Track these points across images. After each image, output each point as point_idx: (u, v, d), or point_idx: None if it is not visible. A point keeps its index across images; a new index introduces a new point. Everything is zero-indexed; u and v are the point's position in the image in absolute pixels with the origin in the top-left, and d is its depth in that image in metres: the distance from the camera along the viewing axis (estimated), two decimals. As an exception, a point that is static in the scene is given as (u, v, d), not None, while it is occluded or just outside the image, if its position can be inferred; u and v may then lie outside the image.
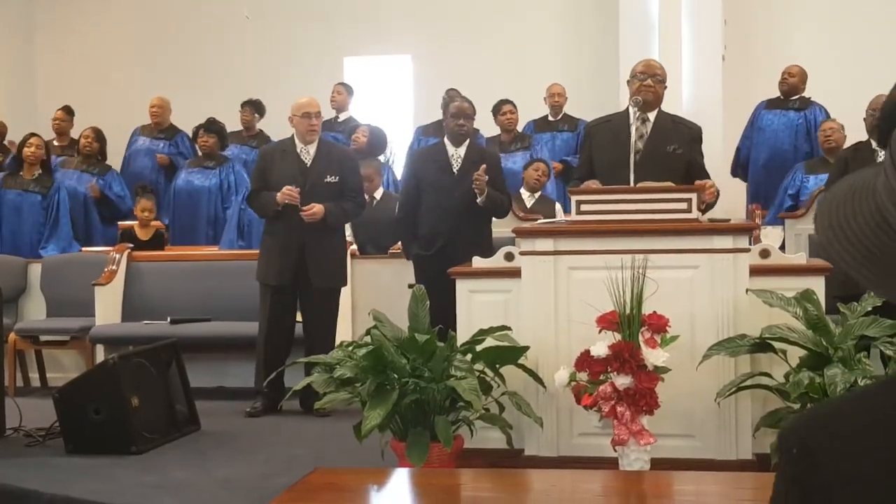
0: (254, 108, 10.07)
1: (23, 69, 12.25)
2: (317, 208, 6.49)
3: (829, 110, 8.91)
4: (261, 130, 10.08)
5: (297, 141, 6.73)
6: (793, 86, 9.12)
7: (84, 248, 8.63)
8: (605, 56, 10.23)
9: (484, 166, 6.23)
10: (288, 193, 6.47)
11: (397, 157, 9.93)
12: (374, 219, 8.30)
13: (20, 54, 12.28)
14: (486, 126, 9.24)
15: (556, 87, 9.91)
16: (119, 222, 9.37)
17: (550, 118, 9.91)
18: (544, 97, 9.89)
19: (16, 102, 11.67)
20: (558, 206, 8.52)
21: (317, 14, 11.61)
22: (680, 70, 9.82)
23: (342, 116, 10.13)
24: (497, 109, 9.28)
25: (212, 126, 9.30)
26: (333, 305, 6.74)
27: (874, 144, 6.43)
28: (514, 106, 9.35)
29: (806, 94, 9.18)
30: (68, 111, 10.22)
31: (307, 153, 6.69)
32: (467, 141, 6.49)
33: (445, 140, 6.53)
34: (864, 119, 6.50)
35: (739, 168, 9.34)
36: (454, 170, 6.42)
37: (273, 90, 10.09)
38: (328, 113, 9.87)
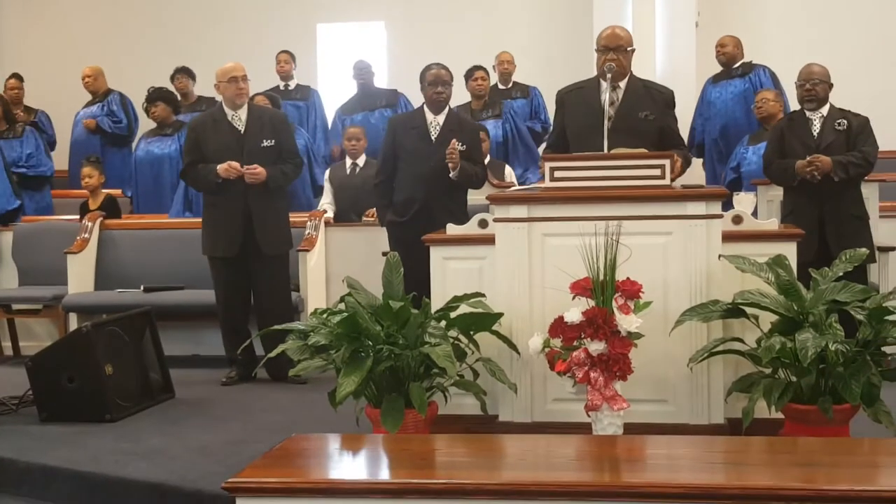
0: (186, 73, 10.00)
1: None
2: (260, 169, 6.45)
3: (794, 76, 8.92)
4: (200, 97, 9.98)
5: (226, 109, 6.64)
6: (730, 56, 9.13)
7: (25, 218, 8.60)
8: (579, 22, 10.21)
9: (454, 141, 6.22)
10: (230, 169, 6.42)
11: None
12: (354, 185, 8.30)
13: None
14: (460, 93, 9.21)
15: (504, 54, 9.91)
16: (55, 185, 9.34)
17: (500, 86, 9.89)
18: (493, 65, 9.86)
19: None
20: (508, 168, 8.54)
21: (289, -21, 11.53)
22: (653, 36, 9.82)
23: (291, 84, 10.10)
24: (469, 75, 9.25)
25: (156, 96, 9.21)
26: (285, 271, 6.74)
27: (808, 113, 6.44)
28: (486, 72, 9.33)
29: (779, 59, 9.18)
30: (19, 78, 10.19)
31: (239, 120, 6.62)
32: (446, 109, 6.47)
33: (424, 108, 6.51)
34: (796, 89, 6.51)
35: (694, 147, 9.33)
36: (432, 137, 6.40)
37: (246, 57, 9.94)
38: (275, 81, 9.86)
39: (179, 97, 9.90)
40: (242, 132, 6.59)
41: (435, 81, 6.41)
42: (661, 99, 5.68)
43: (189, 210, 8.46)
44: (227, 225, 6.53)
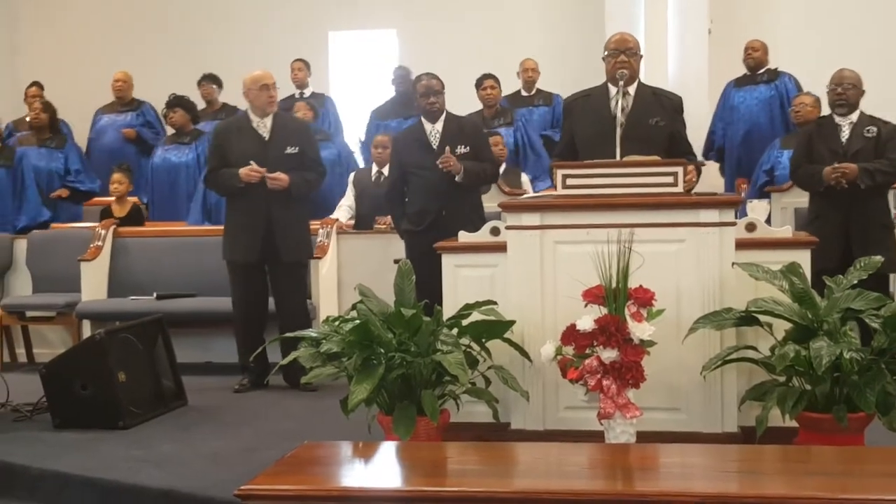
0: (211, 80, 10.03)
1: (4, 45, 12.15)
2: (283, 176, 6.46)
3: (813, 82, 8.89)
4: (225, 104, 10.00)
5: (252, 116, 6.66)
6: (758, 60, 9.14)
7: (55, 224, 8.61)
8: (591, 30, 10.20)
9: (447, 150, 6.23)
10: (252, 172, 6.43)
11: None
12: (377, 193, 8.28)
13: (2, 32, 12.18)
14: (471, 101, 9.22)
15: (528, 61, 9.90)
16: (83, 202, 9.33)
17: (524, 93, 9.89)
18: (518, 72, 9.87)
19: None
20: (524, 176, 8.53)
21: (302, -12, 11.56)
22: (666, 43, 9.82)
23: (306, 93, 10.12)
24: (479, 84, 9.26)
25: (175, 102, 9.25)
26: (303, 279, 6.75)
27: (836, 118, 6.42)
28: (497, 81, 9.32)
29: (792, 65, 9.17)
30: (40, 86, 10.21)
31: (264, 127, 6.63)
32: (443, 115, 6.49)
33: (422, 119, 6.52)
34: (827, 93, 6.48)
35: (713, 151, 9.31)
36: (433, 146, 6.41)
37: (259, 65, 9.98)
38: (290, 90, 9.88)
39: (205, 104, 9.94)
40: (267, 139, 6.60)
41: (426, 93, 6.43)
42: (671, 105, 5.66)
43: (208, 218, 8.48)
44: (248, 230, 6.54)
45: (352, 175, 8.54)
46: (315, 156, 6.83)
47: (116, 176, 8.61)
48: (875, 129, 6.34)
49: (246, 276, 6.61)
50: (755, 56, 9.13)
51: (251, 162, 6.44)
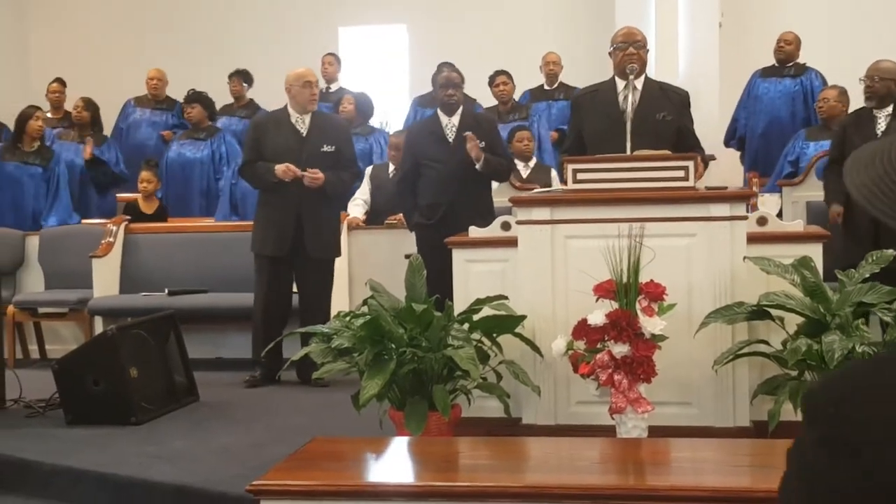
0: (242, 77, 10.03)
1: (16, 43, 12.17)
2: (320, 174, 6.47)
3: (826, 75, 8.87)
4: (251, 100, 10.02)
5: (291, 111, 6.68)
6: (789, 53, 9.07)
7: (83, 220, 8.63)
8: (602, 24, 10.17)
9: (468, 133, 6.23)
10: (290, 172, 6.43)
11: (392, 125, 9.91)
12: (391, 191, 8.28)
13: (13, 28, 12.20)
14: (484, 96, 9.22)
15: (551, 55, 9.87)
16: (116, 193, 9.36)
17: (546, 87, 9.88)
18: (540, 66, 9.85)
19: (9, 76, 11.61)
20: (554, 172, 8.52)
21: (311, -17, 11.57)
22: (676, 37, 9.79)
23: (333, 87, 10.10)
24: (491, 80, 9.25)
25: (194, 97, 9.27)
26: (329, 276, 6.75)
27: (874, 111, 6.39)
28: (509, 76, 9.30)
29: (803, 59, 9.14)
30: (62, 83, 10.20)
31: (302, 123, 6.65)
32: (460, 109, 6.48)
33: (439, 111, 6.52)
34: (863, 85, 6.43)
35: (735, 140, 9.29)
36: (449, 139, 6.41)
37: (267, 61, 10.04)
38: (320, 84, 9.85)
39: (233, 100, 9.95)
40: (304, 135, 6.61)
41: (446, 84, 6.43)
42: (678, 100, 5.66)
43: (235, 213, 8.48)
44: (279, 224, 6.55)
45: (369, 168, 8.52)
46: (351, 155, 6.84)
47: (145, 174, 8.64)
48: None
49: (273, 271, 6.61)
50: (787, 49, 9.04)
51: (288, 165, 6.44)
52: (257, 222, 6.73)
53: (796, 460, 1.14)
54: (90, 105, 9.31)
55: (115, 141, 9.67)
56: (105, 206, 9.25)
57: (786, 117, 8.94)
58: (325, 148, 6.60)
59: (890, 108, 6.34)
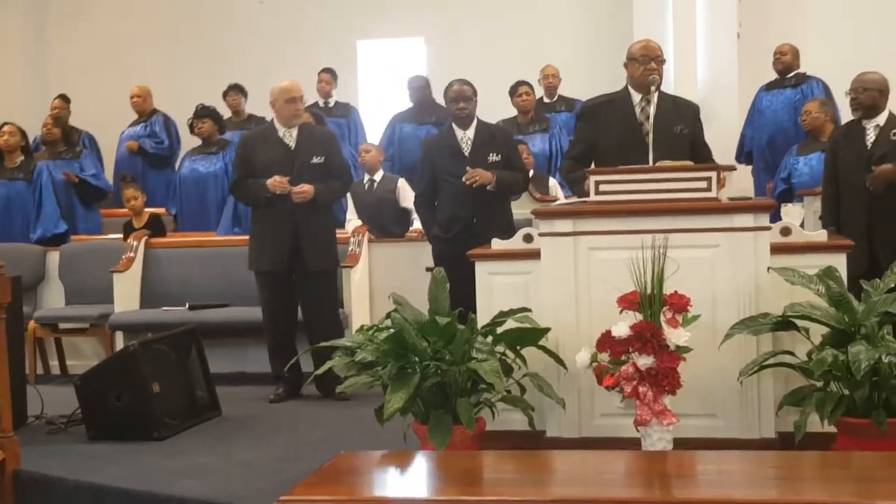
0: (238, 91, 10.09)
1: (35, 60, 12.25)
2: (307, 188, 6.48)
3: (844, 86, 8.82)
4: (251, 115, 10.04)
5: (277, 126, 6.68)
6: (787, 64, 9.11)
7: (80, 236, 8.67)
8: (620, 35, 10.15)
9: (470, 171, 6.23)
10: (279, 184, 6.44)
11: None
12: (371, 201, 8.33)
13: (33, 46, 12.29)
14: (502, 108, 9.21)
15: (549, 68, 9.92)
16: (102, 205, 9.41)
17: (546, 99, 9.89)
18: (538, 79, 9.86)
19: (29, 93, 11.68)
20: (552, 181, 8.51)
21: (330, -3, 11.61)
22: (695, 47, 9.79)
23: (330, 102, 10.16)
24: (513, 91, 9.26)
25: (202, 112, 9.29)
26: (332, 288, 6.75)
27: (863, 122, 6.37)
28: (531, 87, 9.33)
29: (825, 69, 9.11)
30: (65, 99, 10.27)
31: (290, 136, 6.64)
32: (474, 122, 6.47)
33: (453, 125, 6.52)
34: (848, 98, 6.45)
35: (744, 155, 9.28)
36: (465, 153, 6.41)
37: (287, 75, 10.01)
38: (316, 99, 9.90)
39: (231, 114, 9.99)
40: (293, 148, 6.62)
41: (457, 98, 6.42)
42: (691, 113, 5.72)
43: (238, 225, 8.51)
44: (275, 240, 6.56)
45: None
46: (341, 164, 6.85)
47: (129, 192, 8.66)
48: None
49: (274, 286, 6.62)
50: (784, 60, 9.10)
51: (276, 177, 6.46)
52: (253, 239, 6.73)
53: None
54: (59, 121, 9.34)
55: (92, 153, 9.68)
56: (93, 221, 9.23)
57: (789, 127, 8.95)
58: (315, 159, 6.61)
59: (880, 119, 6.33)
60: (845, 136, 6.51)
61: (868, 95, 6.33)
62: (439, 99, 9.77)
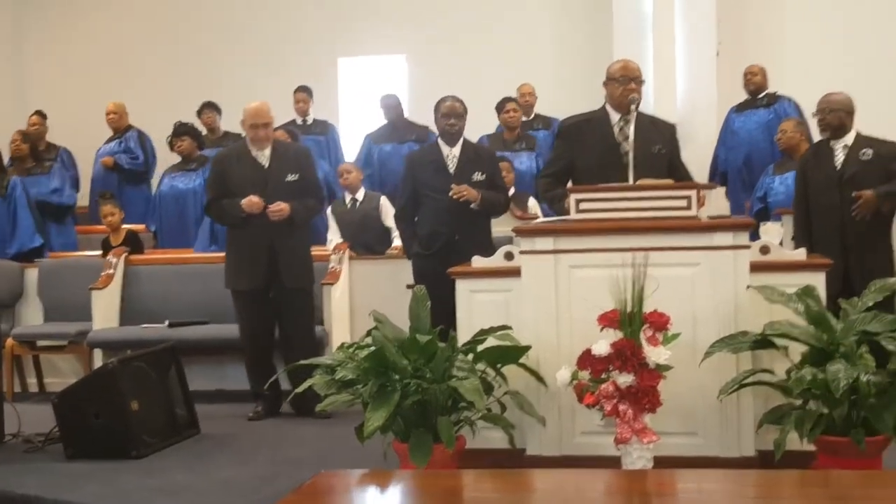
0: (212, 109, 10.08)
1: (12, 77, 12.21)
2: (283, 206, 6.48)
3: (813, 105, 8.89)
4: (227, 132, 10.04)
5: (250, 145, 6.68)
6: (758, 84, 9.18)
7: (59, 253, 8.63)
8: (600, 54, 10.18)
9: (457, 187, 6.24)
10: (254, 204, 6.44)
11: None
12: (354, 220, 8.32)
13: (10, 62, 12.24)
14: (482, 125, 9.22)
15: (525, 86, 9.93)
16: (80, 221, 9.43)
17: (523, 118, 9.90)
18: (516, 97, 9.87)
19: (7, 109, 11.63)
20: (532, 200, 8.52)
21: (311, 15, 11.60)
22: (674, 66, 9.83)
23: (308, 120, 10.17)
24: (501, 107, 9.27)
25: (181, 129, 9.29)
26: (309, 306, 6.74)
27: (831, 142, 6.41)
28: (518, 104, 9.35)
29: (806, 88, 9.15)
30: (42, 115, 10.24)
31: (263, 156, 6.64)
32: (461, 140, 6.48)
33: (440, 141, 6.52)
34: (816, 119, 6.49)
35: (718, 175, 9.32)
36: (450, 170, 6.41)
37: (269, 91, 10.02)
38: (289, 116, 9.88)
39: (206, 131, 9.97)
40: (267, 167, 6.61)
41: (448, 114, 6.42)
42: (668, 132, 5.74)
43: (215, 243, 8.49)
44: (252, 259, 6.55)
45: (329, 209, 8.50)
46: (315, 181, 6.87)
47: (107, 208, 8.62)
48: (870, 151, 6.32)
49: (251, 304, 6.61)
50: (755, 81, 9.16)
51: (250, 197, 6.46)
52: (229, 258, 6.72)
53: None
54: (27, 138, 9.33)
55: (63, 169, 9.67)
56: (65, 238, 9.20)
57: (765, 147, 8.99)
58: (290, 177, 6.61)
59: (847, 139, 6.36)
60: (814, 157, 6.54)
61: (835, 116, 6.36)
62: (413, 116, 9.84)
